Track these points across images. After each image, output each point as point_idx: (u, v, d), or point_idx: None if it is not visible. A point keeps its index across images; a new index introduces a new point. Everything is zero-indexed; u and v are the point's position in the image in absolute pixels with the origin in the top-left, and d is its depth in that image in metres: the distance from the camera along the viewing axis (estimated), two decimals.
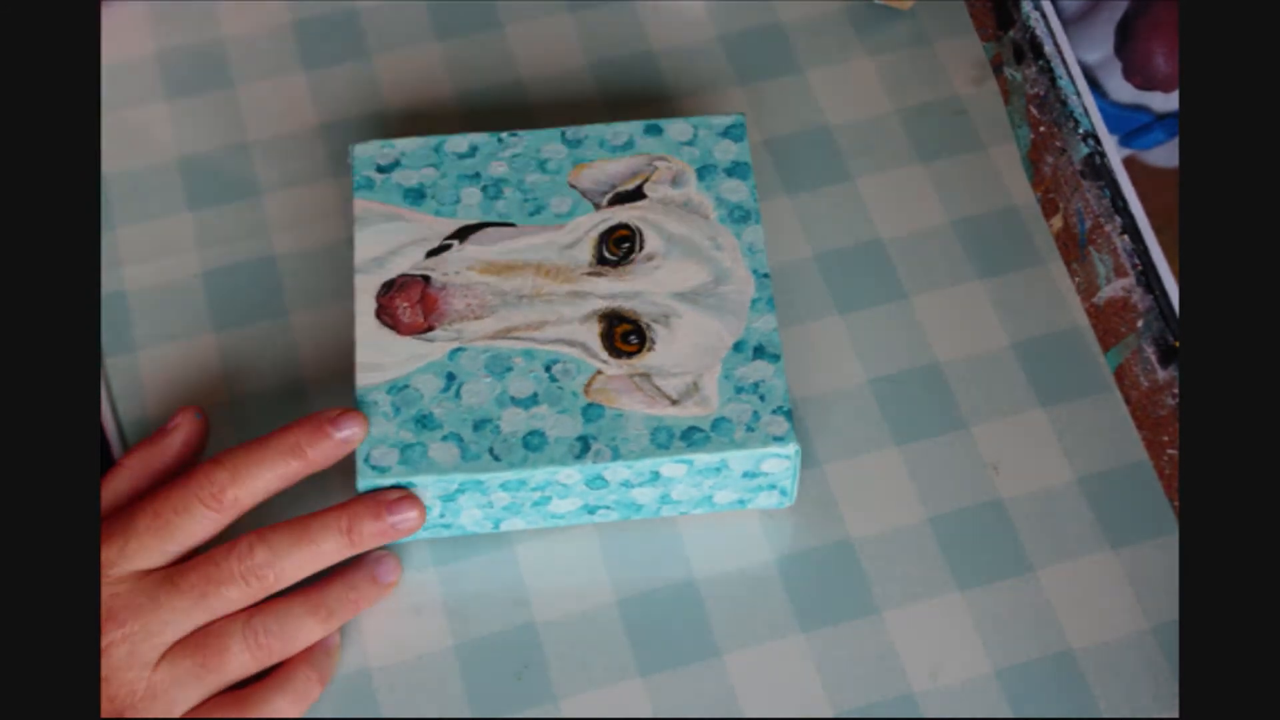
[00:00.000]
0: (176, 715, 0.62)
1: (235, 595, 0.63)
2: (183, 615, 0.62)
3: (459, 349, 0.67)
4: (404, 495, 0.65)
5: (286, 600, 0.63)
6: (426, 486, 0.65)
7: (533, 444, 0.65)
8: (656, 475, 0.65)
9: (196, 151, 0.78)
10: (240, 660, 0.62)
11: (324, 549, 0.64)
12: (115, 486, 0.66)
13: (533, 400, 0.66)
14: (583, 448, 0.65)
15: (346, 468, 0.69)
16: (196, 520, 0.63)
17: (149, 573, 0.63)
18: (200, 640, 0.62)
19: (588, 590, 0.68)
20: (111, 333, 0.73)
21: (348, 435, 0.65)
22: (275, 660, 0.63)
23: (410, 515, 0.64)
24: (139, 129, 0.78)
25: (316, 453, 0.64)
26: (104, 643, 0.61)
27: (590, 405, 0.66)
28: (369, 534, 0.64)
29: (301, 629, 0.63)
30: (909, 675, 0.66)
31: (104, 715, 0.61)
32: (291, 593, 0.64)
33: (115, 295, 0.74)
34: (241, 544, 0.63)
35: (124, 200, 0.76)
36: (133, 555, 0.63)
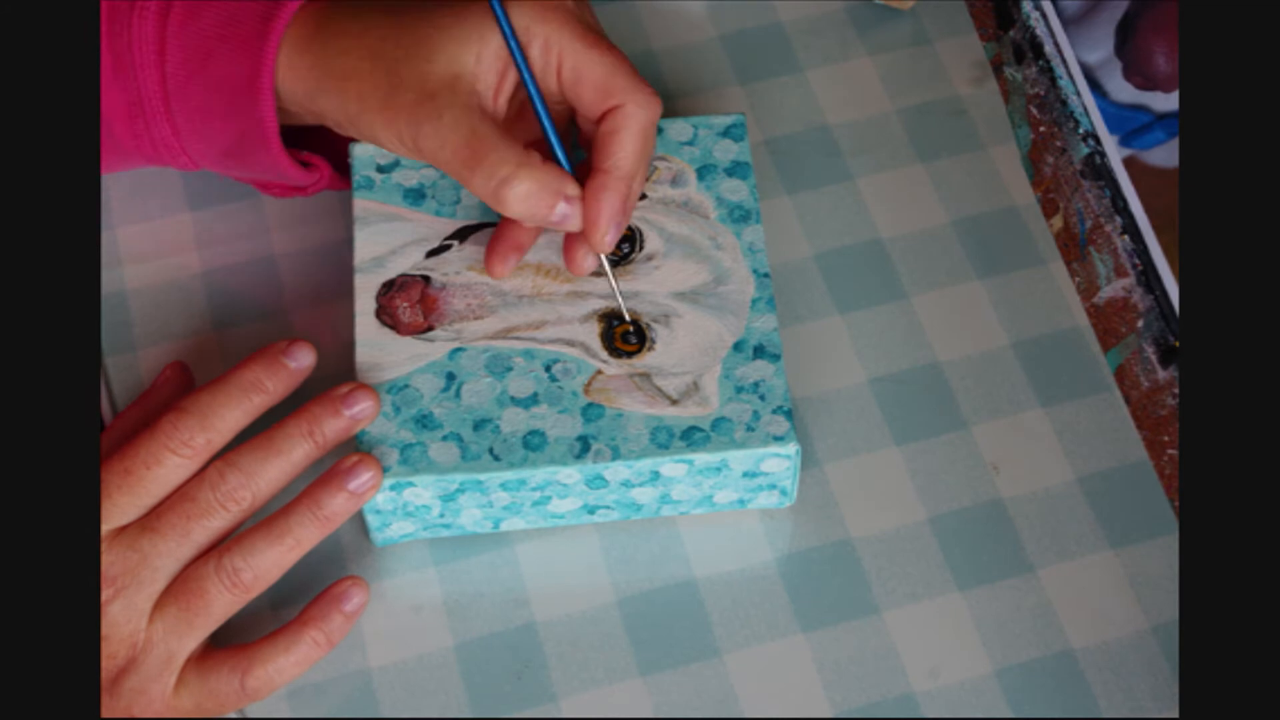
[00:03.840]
0: (177, 664, 0.62)
1: (217, 524, 0.63)
2: (169, 558, 0.62)
3: (459, 349, 0.67)
4: (356, 386, 0.65)
5: (250, 533, 0.63)
6: (426, 486, 0.65)
7: (533, 444, 0.65)
8: (656, 475, 0.65)
9: None
10: (222, 600, 0.62)
11: (293, 458, 0.64)
12: (105, 449, 0.66)
13: (533, 400, 0.66)
14: (583, 447, 0.65)
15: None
16: (170, 470, 0.63)
17: (125, 528, 0.63)
18: (180, 587, 0.62)
19: (588, 590, 0.68)
20: (111, 333, 0.73)
21: (299, 365, 0.65)
22: (257, 592, 0.63)
23: (366, 405, 0.65)
24: None
25: (276, 384, 0.65)
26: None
27: (590, 405, 0.66)
28: (331, 432, 0.64)
29: (268, 559, 0.63)
30: (909, 675, 0.66)
31: (107, 672, 0.61)
32: (256, 523, 0.64)
33: (115, 295, 0.74)
34: (211, 472, 0.63)
35: (124, 200, 0.76)
36: (108, 515, 0.62)
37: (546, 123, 0.66)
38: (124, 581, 0.62)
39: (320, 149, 0.72)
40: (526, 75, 0.65)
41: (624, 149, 0.65)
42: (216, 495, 0.63)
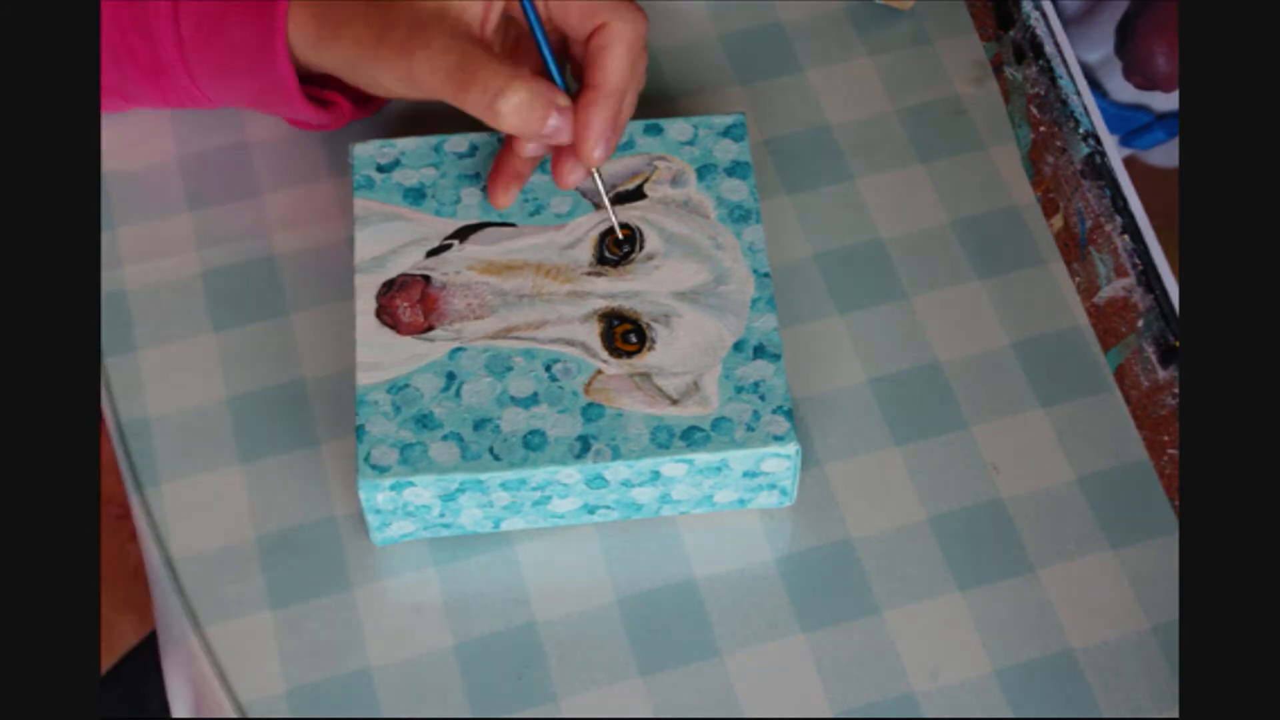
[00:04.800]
0: None
1: None
2: None
3: (459, 348, 0.67)
4: None
5: None
6: (426, 486, 0.65)
7: (533, 443, 0.65)
8: (657, 475, 0.65)
9: (196, 151, 0.78)
10: None
11: None
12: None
13: (533, 400, 0.66)
14: (583, 447, 0.65)
15: (347, 467, 0.69)
16: None
17: None
18: None
19: (588, 590, 0.68)
20: (111, 332, 0.73)
21: None
22: None
23: None
24: (139, 129, 0.78)
25: None
26: None
27: (590, 405, 0.66)
28: None
29: None
30: (909, 675, 0.66)
31: None
32: None
33: (115, 295, 0.74)
34: None
35: (124, 200, 0.76)
36: None
37: (538, 29, 0.68)
38: None
39: (339, 84, 0.74)
40: None
41: (611, 65, 0.67)
42: None
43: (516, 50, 0.71)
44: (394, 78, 0.67)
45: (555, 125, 0.66)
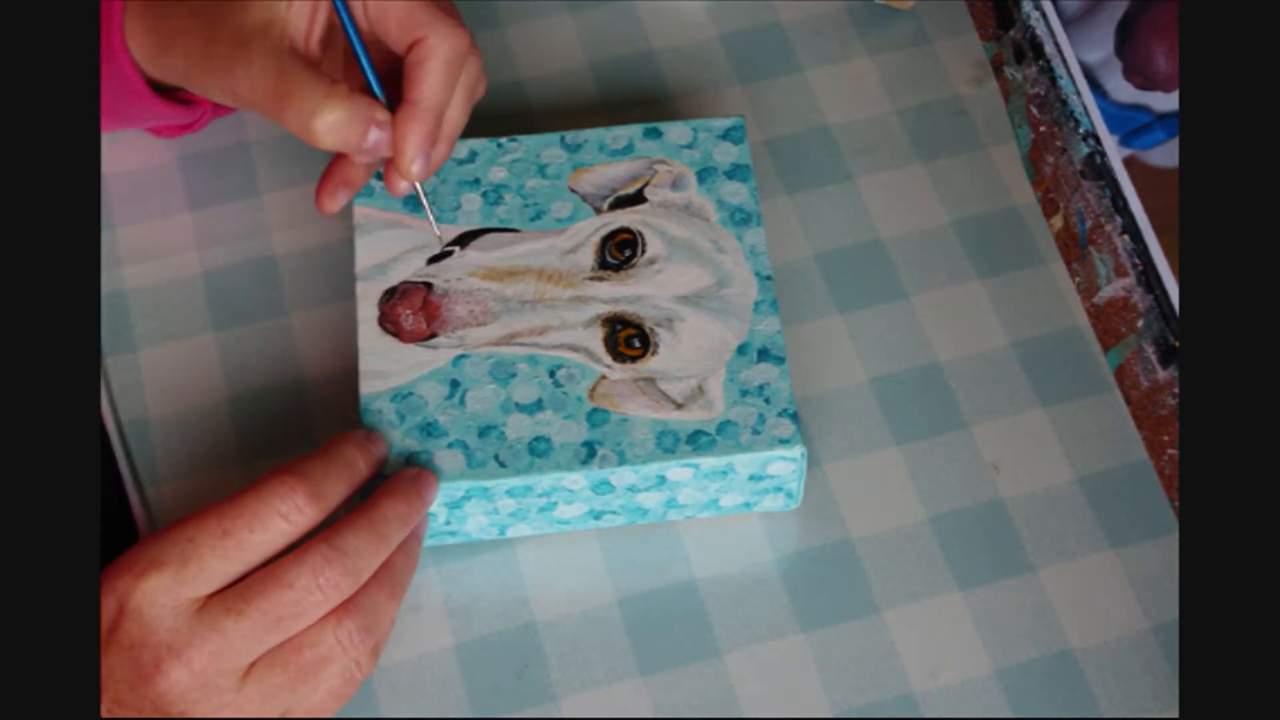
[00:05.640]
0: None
1: (315, 612, 0.59)
2: (255, 643, 0.58)
3: (462, 355, 0.67)
4: (420, 474, 0.64)
5: (367, 591, 0.60)
6: None
7: (538, 450, 0.65)
8: (663, 479, 0.65)
9: (197, 152, 0.78)
10: (338, 666, 0.60)
11: (392, 544, 0.62)
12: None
13: (537, 406, 0.66)
14: (588, 453, 0.65)
15: None
16: (272, 537, 0.59)
17: (208, 601, 0.59)
18: (289, 657, 0.59)
19: (588, 590, 0.68)
20: (111, 332, 0.73)
21: (380, 452, 0.64)
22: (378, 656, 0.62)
23: (434, 493, 0.64)
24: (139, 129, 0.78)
25: (366, 465, 0.63)
26: (169, 683, 0.58)
27: (595, 410, 0.66)
28: (417, 515, 0.63)
29: (388, 614, 0.61)
30: (909, 675, 0.66)
31: None
32: (370, 582, 0.61)
33: (115, 295, 0.74)
34: (314, 556, 0.59)
35: (124, 200, 0.76)
36: (190, 579, 0.58)
37: (356, 43, 0.66)
38: (201, 663, 0.58)
39: None
40: (339, 5, 0.66)
41: (428, 80, 0.66)
42: (320, 581, 0.59)
43: (348, 60, 0.69)
44: (220, 92, 0.66)
45: (376, 139, 0.64)
